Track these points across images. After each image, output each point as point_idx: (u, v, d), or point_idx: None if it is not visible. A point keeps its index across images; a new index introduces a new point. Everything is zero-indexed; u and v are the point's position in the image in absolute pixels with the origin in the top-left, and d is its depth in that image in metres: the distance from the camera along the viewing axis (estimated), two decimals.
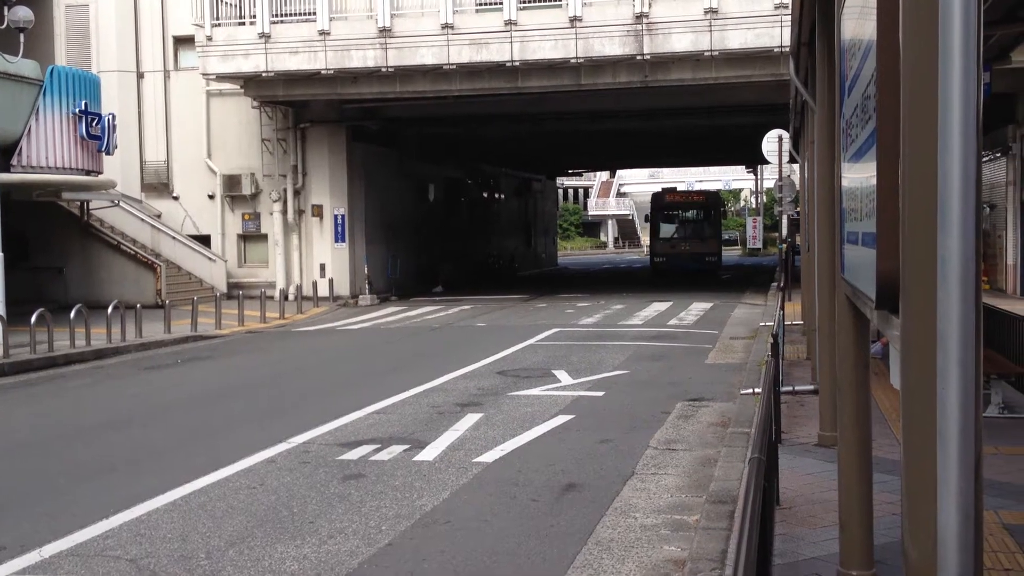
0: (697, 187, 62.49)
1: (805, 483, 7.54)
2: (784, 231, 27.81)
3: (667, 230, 39.52)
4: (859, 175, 3.53)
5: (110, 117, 24.09)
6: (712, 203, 40.53)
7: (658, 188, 50.03)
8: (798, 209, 24.26)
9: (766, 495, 4.29)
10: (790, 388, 11.39)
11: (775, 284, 27.39)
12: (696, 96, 26.42)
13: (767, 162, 27.68)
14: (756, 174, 57.74)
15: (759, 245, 52.47)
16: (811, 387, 11.22)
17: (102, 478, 8.67)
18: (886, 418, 9.41)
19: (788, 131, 23.85)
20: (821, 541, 6.10)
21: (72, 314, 17.64)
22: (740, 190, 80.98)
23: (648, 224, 42.24)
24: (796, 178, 26.75)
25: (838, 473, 5.48)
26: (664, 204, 40.57)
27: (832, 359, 6.85)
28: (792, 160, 26.17)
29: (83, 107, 22.72)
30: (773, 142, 25.23)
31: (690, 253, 38.09)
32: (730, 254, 61.23)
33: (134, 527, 7.10)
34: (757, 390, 10.32)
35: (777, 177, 26.44)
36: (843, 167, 4.41)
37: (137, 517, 7.33)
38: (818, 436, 8.91)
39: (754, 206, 61.15)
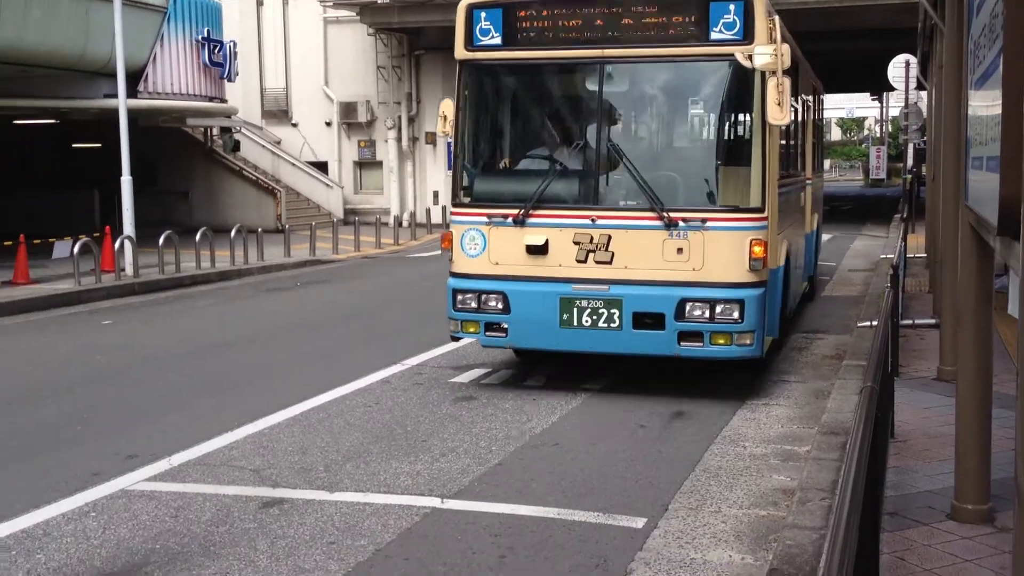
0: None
1: (922, 417, 7.40)
2: (910, 160, 26.87)
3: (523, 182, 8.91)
4: (985, 98, 3.40)
5: (231, 44, 24.57)
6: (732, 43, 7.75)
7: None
8: (924, 138, 23.40)
9: (879, 426, 4.24)
10: (910, 321, 11.11)
11: (898, 216, 26.58)
12: (819, 19, 25.51)
13: (893, 88, 26.70)
14: (881, 101, 55.82)
15: (883, 176, 50.76)
16: (932, 320, 10.93)
17: (226, 393, 9.04)
18: (1009, 353, 9.13)
19: (916, 56, 22.92)
20: (936, 475, 6.00)
21: (197, 237, 18.28)
22: (864, 118, 78.40)
23: None
24: (923, 105, 25.72)
25: (956, 405, 5.38)
26: (520, 41, 8.47)
27: (954, 290, 6.67)
28: (919, 87, 25.17)
29: (206, 34, 23.20)
30: (900, 68, 24.28)
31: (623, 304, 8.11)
32: (851, 185, 59.33)
33: (257, 440, 7.41)
34: (875, 323, 10.11)
35: (903, 104, 25.50)
36: (969, 91, 4.26)
37: (259, 431, 7.65)
38: (937, 370, 8.72)
39: (878, 135, 59.19)
